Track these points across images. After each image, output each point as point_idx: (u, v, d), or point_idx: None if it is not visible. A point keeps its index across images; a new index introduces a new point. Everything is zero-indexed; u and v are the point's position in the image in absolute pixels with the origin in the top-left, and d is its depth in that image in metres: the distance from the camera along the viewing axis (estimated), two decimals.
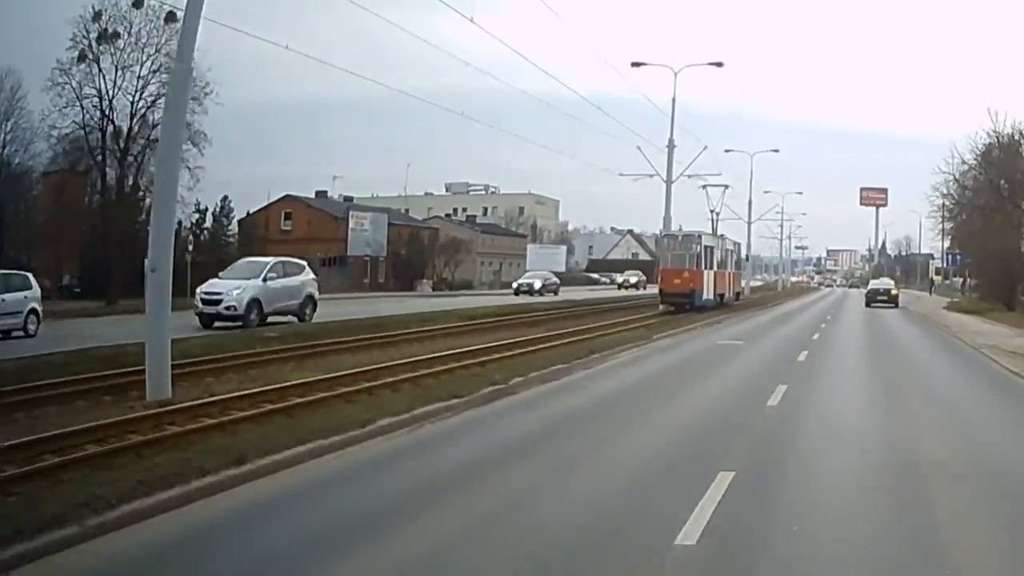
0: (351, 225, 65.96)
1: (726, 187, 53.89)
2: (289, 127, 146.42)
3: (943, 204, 71.82)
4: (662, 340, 25.40)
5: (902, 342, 26.96)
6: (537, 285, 58.34)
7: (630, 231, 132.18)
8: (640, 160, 57.12)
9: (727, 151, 69.60)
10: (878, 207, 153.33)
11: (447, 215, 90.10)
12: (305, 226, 69.85)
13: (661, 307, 38.10)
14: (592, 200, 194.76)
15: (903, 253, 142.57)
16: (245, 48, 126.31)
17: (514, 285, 59.38)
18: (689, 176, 45.89)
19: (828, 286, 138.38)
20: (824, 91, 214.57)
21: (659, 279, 40.73)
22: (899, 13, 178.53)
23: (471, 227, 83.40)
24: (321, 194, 73.74)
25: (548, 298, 52.61)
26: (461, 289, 70.80)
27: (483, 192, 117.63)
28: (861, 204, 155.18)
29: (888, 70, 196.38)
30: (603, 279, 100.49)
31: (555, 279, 62.90)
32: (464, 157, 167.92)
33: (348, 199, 75.64)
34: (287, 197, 71.42)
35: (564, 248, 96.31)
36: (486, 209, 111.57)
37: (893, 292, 53.67)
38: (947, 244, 79.54)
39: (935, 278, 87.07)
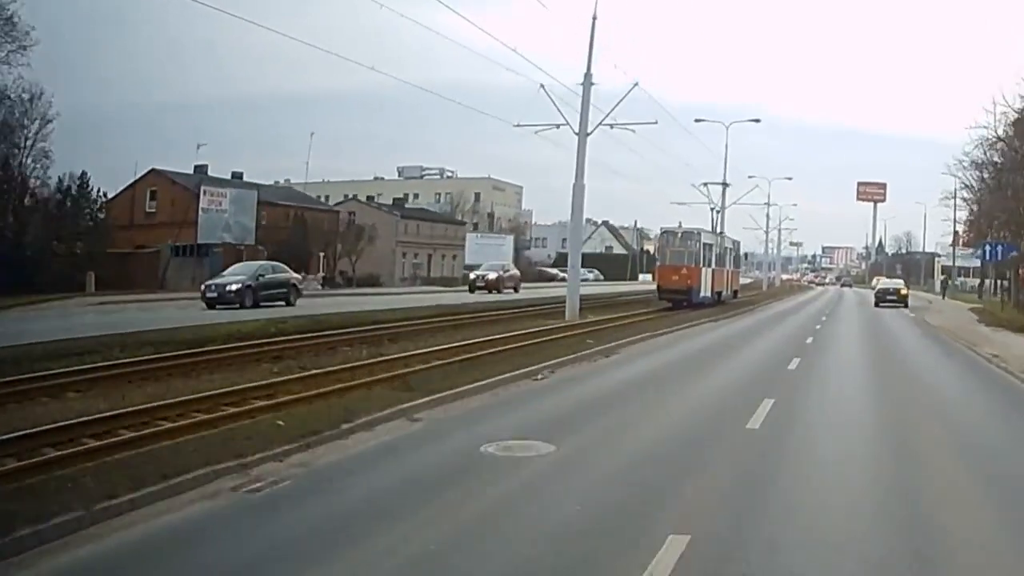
0: (203, 204, 49.87)
1: (726, 185, 50.13)
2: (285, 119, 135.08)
3: (955, 189, 57.53)
4: (390, 426, 9.81)
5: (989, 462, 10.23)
6: (234, 287, 29.23)
7: (605, 222, 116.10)
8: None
9: (698, 120, 54.50)
10: (876, 202, 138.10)
11: (368, 198, 73.81)
12: (168, 207, 54.27)
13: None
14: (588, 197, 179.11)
15: (903, 250, 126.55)
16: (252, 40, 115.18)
17: (202, 287, 30.84)
18: (612, 126, 30.06)
19: (820, 284, 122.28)
20: (820, 90, 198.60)
21: (657, 275, 39.86)
22: (897, 10, 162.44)
23: (389, 211, 67.29)
24: (200, 169, 57.61)
25: (284, 312, 26.28)
26: (366, 286, 55.13)
27: (438, 177, 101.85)
28: (858, 199, 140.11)
29: (886, 68, 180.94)
30: (564, 274, 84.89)
31: (289, 277, 31.37)
32: (452, 148, 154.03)
33: (238, 176, 59.62)
34: (152, 172, 55.70)
35: (511, 238, 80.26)
36: (439, 196, 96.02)
37: (903, 292, 48.94)
38: (966, 235, 64.84)
39: (943, 278, 71.64)
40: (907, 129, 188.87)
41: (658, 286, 38.19)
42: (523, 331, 22.02)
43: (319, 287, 53.11)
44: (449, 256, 69.27)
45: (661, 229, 41.88)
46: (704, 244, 38.26)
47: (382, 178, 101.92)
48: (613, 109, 29.43)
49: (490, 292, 44.76)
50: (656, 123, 30.59)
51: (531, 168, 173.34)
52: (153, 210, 55.70)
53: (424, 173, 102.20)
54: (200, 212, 50.24)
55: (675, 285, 36.52)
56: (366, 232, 56.00)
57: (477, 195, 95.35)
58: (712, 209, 48.73)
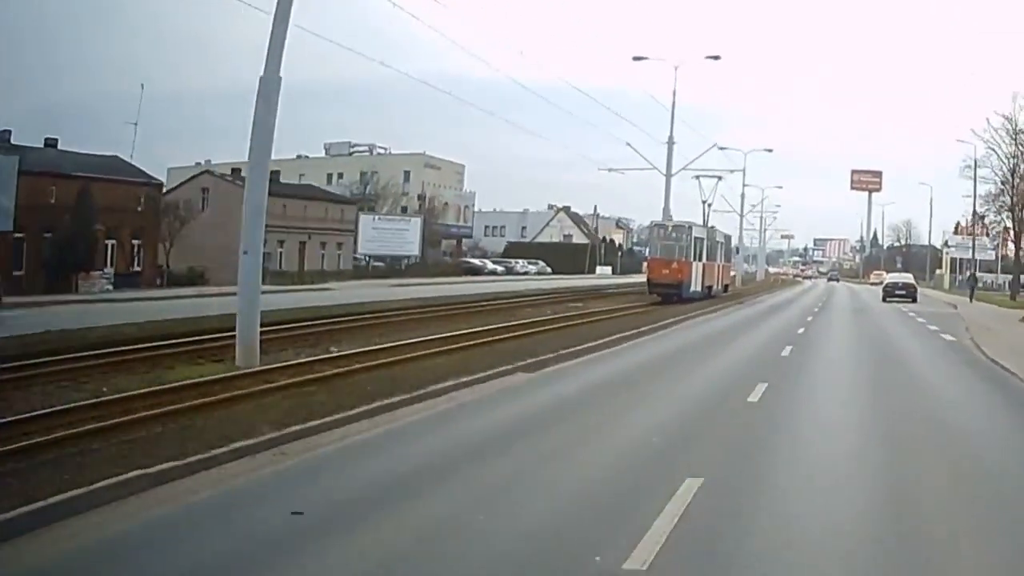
0: None
1: (719, 178, 48.32)
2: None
3: (976, 159, 43.31)
4: None
5: None
6: None
7: (565, 208, 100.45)
8: None
9: (636, 59, 40.10)
10: (871, 191, 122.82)
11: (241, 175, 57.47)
12: None
13: None
14: (575, 194, 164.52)
15: (903, 241, 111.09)
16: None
17: None
18: None
19: (805, 278, 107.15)
20: (816, 82, 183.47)
21: (647, 269, 39.86)
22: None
23: (243, 185, 51.50)
24: (3, 135, 41.79)
25: None
26: (186, 285, 39.64)
27: (367, 154, 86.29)
28: (852, 188, 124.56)
29: (882, 61, 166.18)
30: (496, 267, 69.17)
31: None
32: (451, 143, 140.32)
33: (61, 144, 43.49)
34: None
35: (418, 221, 64.51)
36: (363, 174, 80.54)
37: (912, 286, 45.98)
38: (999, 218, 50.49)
39: (968, 274, 56.54)
40: (907, 117, 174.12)
41: (648, 280, 37.81)
42: None
43: (108, 288, 37.73)
44: (333, 243, 53.46)
45: (652, 223, 41.62)
46: (695, 238, 37.38)
47: (306, 156, 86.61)
48: None
49: None
50: None
51: (522, 158, 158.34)
52: None
53: (353, 150, 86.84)
54: None
55: (665, 279, 35.95)
56: (180, 211, 40.41)
57: (407, 173, 79.85)
58: (704, 202, 47.15)
